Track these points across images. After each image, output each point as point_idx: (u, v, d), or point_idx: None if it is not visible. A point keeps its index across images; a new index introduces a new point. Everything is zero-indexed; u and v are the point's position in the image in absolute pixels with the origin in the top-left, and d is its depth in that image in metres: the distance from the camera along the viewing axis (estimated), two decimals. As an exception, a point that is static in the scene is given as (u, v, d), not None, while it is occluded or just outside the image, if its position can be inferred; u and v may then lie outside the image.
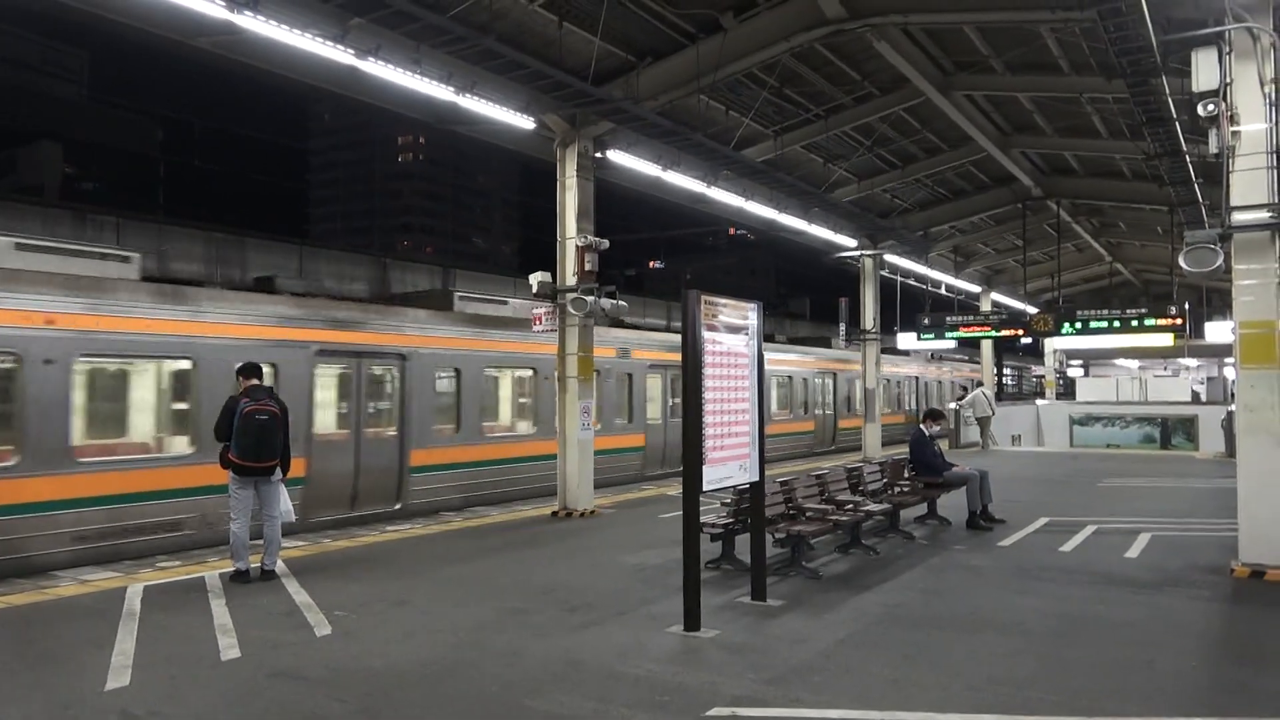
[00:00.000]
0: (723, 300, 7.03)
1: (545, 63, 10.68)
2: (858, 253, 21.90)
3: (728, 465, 6.95)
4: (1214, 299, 31.86)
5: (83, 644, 6.18)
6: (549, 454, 13.23)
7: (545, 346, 13.67)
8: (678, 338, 18.20)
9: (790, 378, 23.61)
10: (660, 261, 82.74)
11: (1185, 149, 13.96)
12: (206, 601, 7.40)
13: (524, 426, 15.13)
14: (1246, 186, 8.34)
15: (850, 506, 9.57)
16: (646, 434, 17.66)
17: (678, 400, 17.83)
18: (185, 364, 10.23)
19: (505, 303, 15.63)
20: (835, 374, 26.06)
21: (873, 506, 9.81)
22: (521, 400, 15.39)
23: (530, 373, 15.05)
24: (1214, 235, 8.95)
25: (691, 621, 6.47)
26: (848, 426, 26.06)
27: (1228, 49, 8.38)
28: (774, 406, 22.39)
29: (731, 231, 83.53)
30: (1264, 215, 8.25)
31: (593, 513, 12.52)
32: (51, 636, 6.41)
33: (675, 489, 14.21)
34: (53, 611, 7.14)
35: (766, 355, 18.86)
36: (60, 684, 5.39)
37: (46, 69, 63.52)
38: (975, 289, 30.19)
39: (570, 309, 12.29)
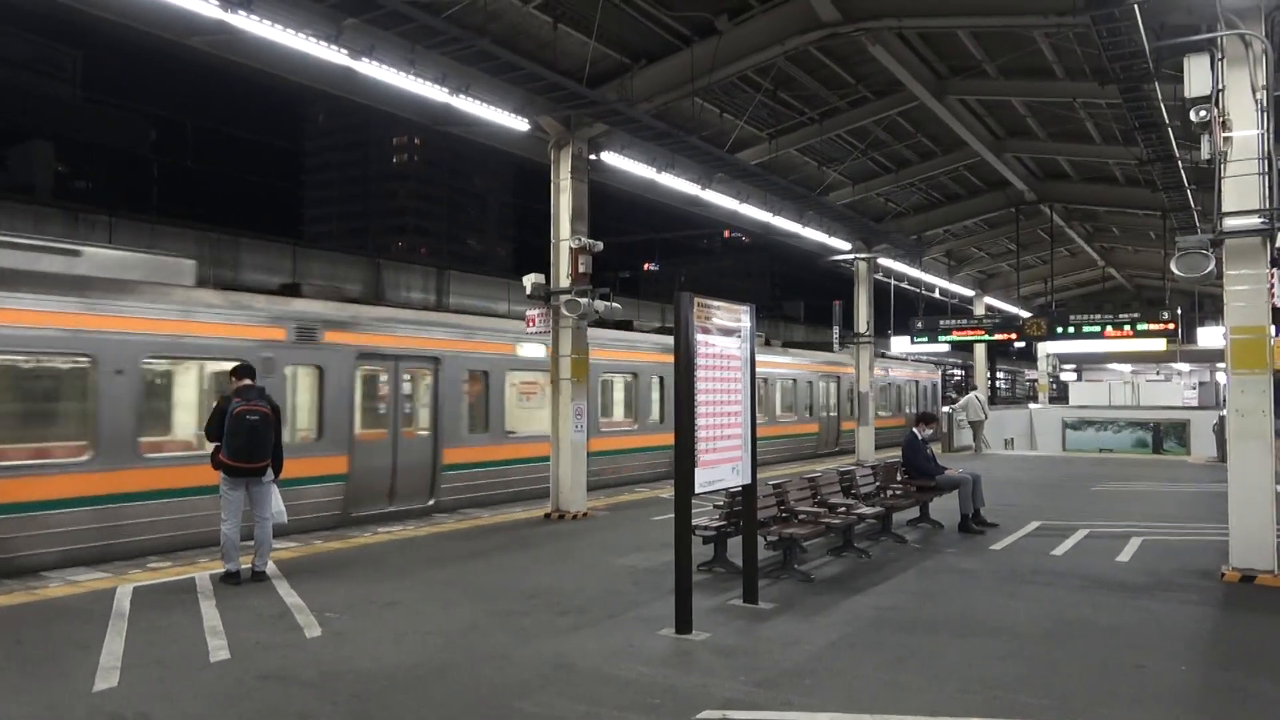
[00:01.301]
0: (715, 302, 7.02)
1: (540, 64, 10.69)
2: (852, 256, 21.96)
3: (720, 468, 6.95)
4: (1206, 304, 31.97)
5: (71, 645, 6.14)
6: (109, 493, 9.14)
7: (126, 321, 9.40)
8: (425, 314, 15.00)
9: (636, 375, 17.42)
10: (655, 264, 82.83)
11: (1178, 154, 14.05)
12: (196, 603, 7.37)
13: (61, 446, 9.25)
14: (1238, 192, 8.39)
15: (843, 509, 9.60)
16: (353, 456, 11.66)
17: (435, 408, 12.82)
18: None
19: (78, 253, 9.84)
20: None
21: (865, 509, 9.82)
22: (66, 406, 9.45)
23: (88, 361, 9.22)
24: (1206, 240, 9.01)
25: (683, 624, 6.47)
26: None
27: (1220, 55, 8.43)
28: (619, 413, 17.29)
29: (727, 234, 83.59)
30: (1255, 221, 8.30)
31: (586, 515, 12.50)
32: (39, 637, 6.37)
33: (667, 492, 14.21)
34: (41, 612, 7.09)
35: (612, 346, 16.76)
36: (48, 685, 5.36)
37: (39, 67, 63.26)
38: (969, 293, 30.30)
39: (564, 311, 12.28)
